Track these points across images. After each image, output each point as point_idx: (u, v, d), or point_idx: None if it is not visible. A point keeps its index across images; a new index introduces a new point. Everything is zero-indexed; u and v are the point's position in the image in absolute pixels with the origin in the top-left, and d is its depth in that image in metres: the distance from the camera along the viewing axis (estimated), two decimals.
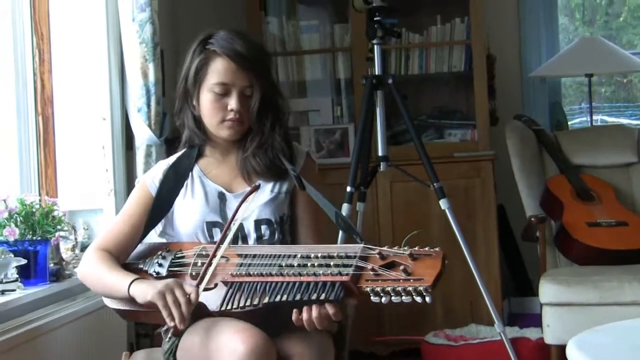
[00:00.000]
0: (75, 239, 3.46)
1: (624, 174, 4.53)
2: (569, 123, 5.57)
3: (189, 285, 2.23)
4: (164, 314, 2.18)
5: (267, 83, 2.46)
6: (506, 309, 4.86)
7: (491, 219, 4.65)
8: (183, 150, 2.55)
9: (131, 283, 2.28)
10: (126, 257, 2.45)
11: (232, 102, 2.42)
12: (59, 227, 3.13)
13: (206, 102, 2.44)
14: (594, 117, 5.39)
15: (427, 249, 2.11)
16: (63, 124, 3.62)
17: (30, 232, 3.03)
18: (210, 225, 2.44)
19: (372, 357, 4.64)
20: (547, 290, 3.86)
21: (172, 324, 2.19)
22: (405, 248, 2.12)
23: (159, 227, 2.51)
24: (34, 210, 3.04)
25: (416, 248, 2.11)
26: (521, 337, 4.12)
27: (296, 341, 2.23)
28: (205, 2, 4.89)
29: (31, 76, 3.46)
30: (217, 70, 2.42)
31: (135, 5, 3.60)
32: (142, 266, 2.41)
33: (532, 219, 4.20)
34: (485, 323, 4.36)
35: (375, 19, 3.83)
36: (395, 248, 2.13)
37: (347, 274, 2.11)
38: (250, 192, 2.36)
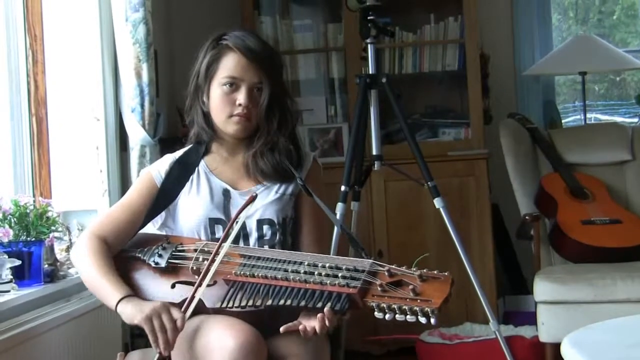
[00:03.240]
0: (70, 239, 3.45)
1: (617, 172, 4.53)
2: (562, 121, 5.57)
3: (176, 310, 2.21)
4: (151, 339, 2.18)
5: (276, 82, 2.48)
6: (501, 307, 4.87)
7: (485, 217, 4.66)
8: (190, 146, 2.57)
9: (120, 300, 2.26)
10: (121, 245, 2.44)
11: (241, 97, 2.44)
12: (53, 227, 3.12)
13: (215, 96, 2.46)
14: (588, 115, 5.40)
15: (436, 272, 2.11)
16: (57, 125, 3.61)
17: (25, 233, 3.02)
18: (213, 222, 2.44)
19: (367, 356, 4.64)
20: (542, 288, 3.86)
21: (157, 350, 2.18)
22: (415, 269, 2.12)
23: (159, 220, 2.50)
24: (28, 211, 3.03)
25: (425, 270, 2.11)
26: (516, 335, 4.13)
27: (292, 341, 2.23)
28: (199, 2, 4.88)
29: (24, 77, 3.45)
30: (228, 64, 2.45)
31: (129, 5, 3.60)
32: (140, 255, 2.41)
33: (527, 217, 4.20)
34: (480, 321, 4.36)
35: (368, 18, 3.82)
36: (404, 268, 2.13)
37: (354, 287, 2.10)
38: (247, 204, 2.33)
